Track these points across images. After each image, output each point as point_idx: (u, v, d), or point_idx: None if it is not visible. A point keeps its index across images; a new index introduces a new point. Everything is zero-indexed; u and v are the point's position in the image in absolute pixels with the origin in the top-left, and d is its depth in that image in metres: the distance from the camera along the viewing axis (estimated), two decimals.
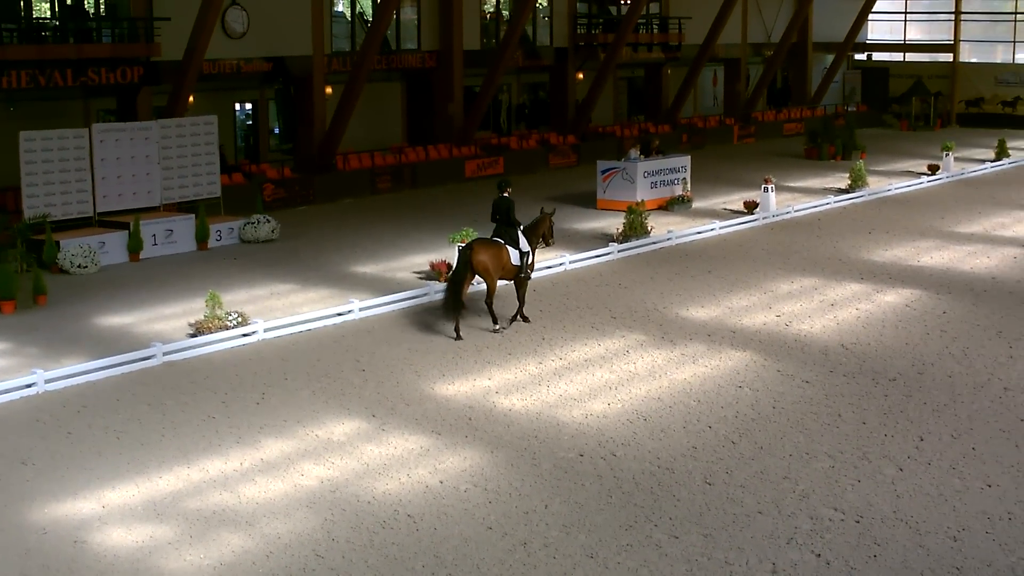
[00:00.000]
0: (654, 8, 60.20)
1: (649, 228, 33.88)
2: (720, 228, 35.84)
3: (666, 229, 34.82)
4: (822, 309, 26.47)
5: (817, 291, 28.22)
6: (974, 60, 75.25)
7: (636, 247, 32.77)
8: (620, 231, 33.65)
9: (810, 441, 18.12)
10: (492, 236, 25.09)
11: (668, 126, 58.85)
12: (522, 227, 25.30)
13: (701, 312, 26.16)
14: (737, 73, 66.90)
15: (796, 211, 39.17)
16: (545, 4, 54.63)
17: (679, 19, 59.54)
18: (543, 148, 51.23)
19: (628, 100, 62.56)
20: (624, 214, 34.20)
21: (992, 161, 53.66)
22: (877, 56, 77.89)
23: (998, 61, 74.52)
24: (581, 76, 55.85)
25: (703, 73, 63.45)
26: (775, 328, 24.78)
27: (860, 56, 77.78)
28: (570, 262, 30.68)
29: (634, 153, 40.54)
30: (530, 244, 25.17)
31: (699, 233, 35.09)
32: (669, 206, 39.56)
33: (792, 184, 45.67)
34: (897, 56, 77.27)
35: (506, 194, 25.21)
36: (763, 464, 17.17)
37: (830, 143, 54.96)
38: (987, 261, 31.92)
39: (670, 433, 18.48)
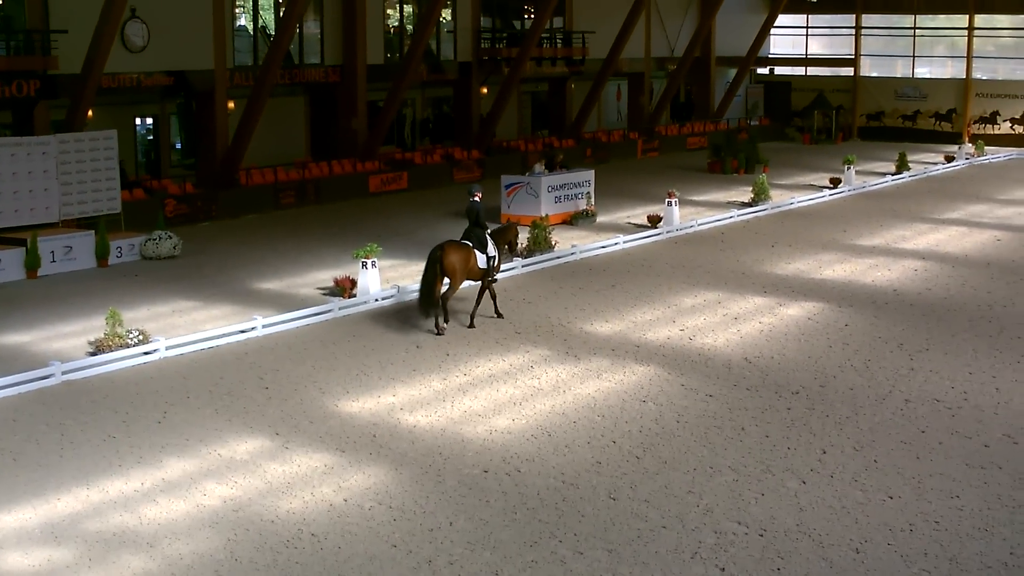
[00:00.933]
0: (558, 22, 60.42)
1: (553, 243, 33.98)
2: (624, 242, 35.98)
3: (570, 243, 34.92)
4: (725, 323, 26.64)
5: (720, 305, 28.39)
6: (875, 74, 76.21)
7: (540, 262, 32.81)
8: (524, 246, 33.67)
9: (714, 455, 18.21)
10: (462, 238, 26.44)
11: (572, 140, 59.02)
12: (489, 231, 26.56)
13: (605, 327, 26.23)
14: (641, 87, 67.22)
15: (699, 225, 39.41)
16: (449, 18, 54.63)
17: (583, 33, 59.75)
18: (447, 163, 51.18)
19: (532, 114, 62.67)
20: (528, 229, 34.21)
21: (893, 174, 54.33)
22: (779, 70, 78.63)
23: (898, 75, 75.51)
24: (485, 90, 55.89)
25: (607, 87, 63.72)
26: (679, 342, 24.90)
27: (762, 70, 78.49)
28: None
29: (538, 167, 40.62)
30: (497, 248, 26.68)
31: (603, 247, 35.19)
32: (573, 220, 39.66)
33: (696, 198, 45.96)
34: (799, 70, 78.10)
35: (476, 199, 26.41)
36: (667, 479, 17.23)
37: (733, 157, 55.38)
38: (888, 274, 32.28)
39: (574, 448, 18.50)
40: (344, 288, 28.34)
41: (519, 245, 28.65)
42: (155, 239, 33.90)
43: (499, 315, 26.97)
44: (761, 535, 15.28)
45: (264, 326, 25.58)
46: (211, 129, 42.84)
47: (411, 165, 49.69)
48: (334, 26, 48.40)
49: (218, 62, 42.67)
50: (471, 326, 26.20)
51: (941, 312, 27.87)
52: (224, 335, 24.96)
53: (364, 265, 28.39)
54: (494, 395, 21.23)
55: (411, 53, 49.00)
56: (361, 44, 48.37)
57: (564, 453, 18.29)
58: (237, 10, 46.24)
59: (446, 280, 25.67)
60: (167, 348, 23.77)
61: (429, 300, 25.46)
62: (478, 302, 26.75)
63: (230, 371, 22.75)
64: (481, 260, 26.09)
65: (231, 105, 43.41)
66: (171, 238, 34.07)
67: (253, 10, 46.88)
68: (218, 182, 42.27)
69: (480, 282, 26.66)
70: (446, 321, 25.89)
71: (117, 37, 37.69)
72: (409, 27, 53.15)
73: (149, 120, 44.30)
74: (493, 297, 26.97)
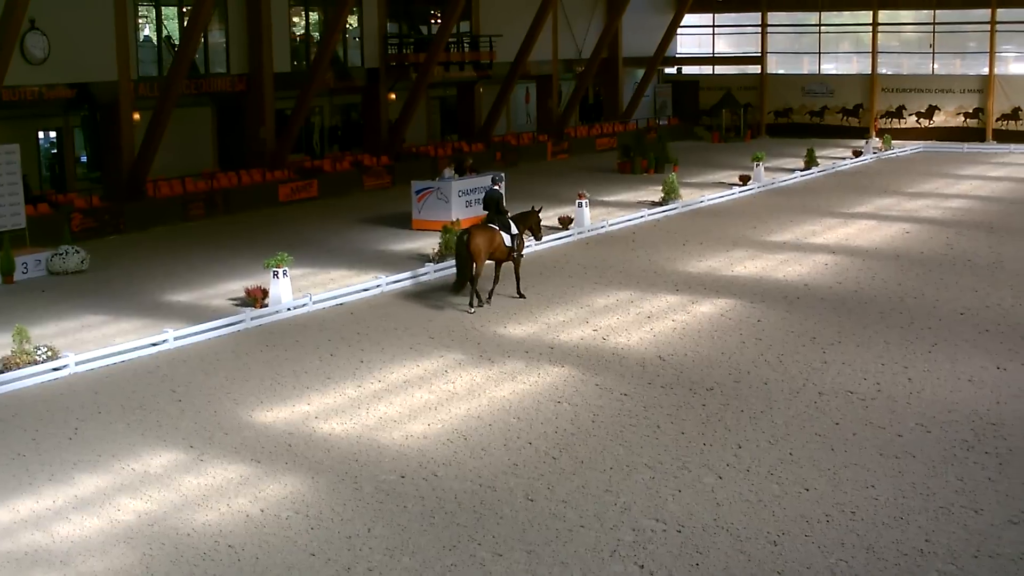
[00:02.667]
0: (465, 27, 60.36)
1: None
2: (535, 244, 35.93)
3: None
4: (639, 322, 26.70)
5: (633, 304, 28.46)
6: (782, 71, 76.85)
7: (452, 267, 32.63)
8: (436, 251, 33.62)
9: (630, 453, 18.24)
10: (486, 222, 28.87)
11: (482, 144, 58.99)
12: (511, 215, 29.29)
13: (519, 329, 26.22)
14: (549, 90, 67.31)
15: (610, 225, 39.51)
16: (355, 25, 54.43)
17: (490, 37, 59.73)
18: (357, 170, 50.96)
19: (441, 119, 62.53)
20: (440, 234, 34.14)
21: (802, 170, 54.76)
22: (687, 69, 79.08)
23: (805, 72, 76.16)
24: (393, 96, 55.72)
25: (515, 90, 63.73)
26: (592, 342, 24.93)
27: (670, 70, 78.88)
28: (387, 283, 30.54)
29: (448, 172, 40.55)
30: (519, 229, 29.17)
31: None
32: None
33: (606, 198, 46.08)
34: (707, 69, 78.60)
35: (496, 187, 29.80)
36: (584, 478, 17.23)
37: (643, 157, 55.58)
38: (799, 269, 32.51)
39: (491, 451, 18.46)
40: (256, 298, 28.13)
41: (540, 229, 31.20)
42: (62, 254, 33.46)
43: (521, 295, 29.12)
44: (679, 531, 15.31)
45: (175, 339, 25.31)
46: (116, 141, 42.36)
47: (321, 173, 49.44)
48: (239, 35, 48.08)
49: (122, 73, 42.22)
50: (488, 302, 28.47)
51: (852, 305, 28.11)
52: (135, 349, 24.67)
53: (275, 275, 28.20)
54: (409, 400, 21.15)
55: (318, 60, 48.80)
56: (267, 52, 48.09)
57: (481, 456, 18.25)
58: (141, 20, 45.81)
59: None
60: (76, 364, 23.46)
61: (462, 280, 27.87)
62: (496, 280, 29.10)
63: (142, 385, 22.49)
64: (506, 239, 28.57)
65: (136, 117, 42.94)
66: (78, 252, 33.64)
67: (157, 20, 46.47)
68: (125, 195, 41.81)
69: (510, 260, 29.05)
70: (480, 301, 28.23)
71: (16, 49, 37.20)
72: (316, 34, 52.89)
73: (52, 133, 43.69)
74: (517, 276, 29.27)
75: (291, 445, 18.91)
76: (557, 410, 20.47)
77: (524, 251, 30.36)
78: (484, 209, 30.15)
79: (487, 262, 28.65)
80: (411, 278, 31.41)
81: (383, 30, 55.38)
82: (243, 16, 47.97)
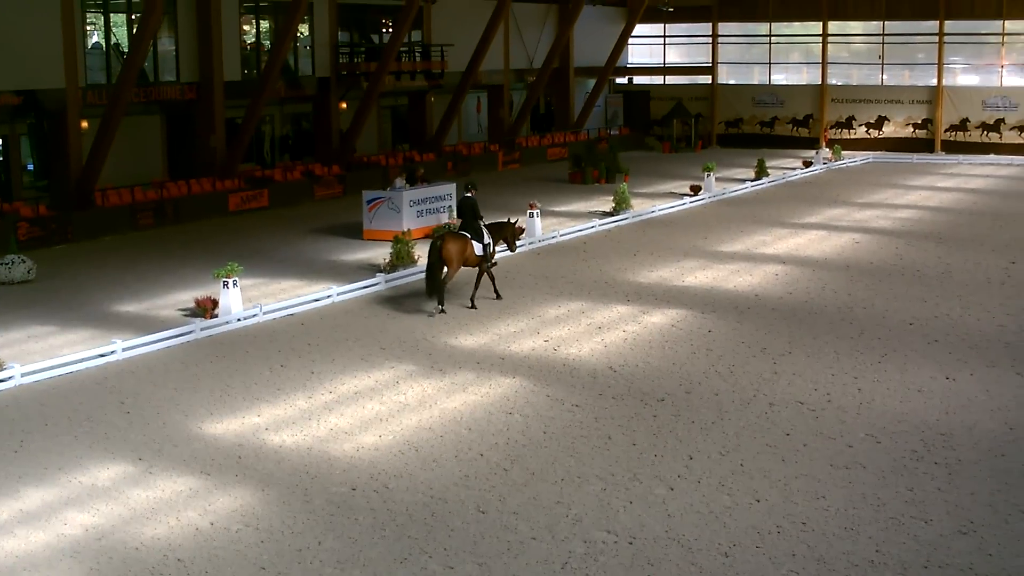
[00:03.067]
0: (416, 36, 60.30)
1: (416, 257, 33.78)
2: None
3: None
4: (590, 332, 26.70)
5: (584, 315, 28.46)
6: (732, 82, 77.17)
7: (404, 276, 32.64)
8: (387, 261, 33.54)
9: (581, 465, 18.21)
10: (459, 230, 29.77)
11: (433, 154, 58.88)
12: (486, 223, 30.06)
13: (470, 340, 26.16)
14: (501, 99, 67.37)
15: (562, 235, 39.51)
16: (306, 33, 54.28)
17: (441, 47, 59.68)
18: (308, 179, 50.78)
19: (392, 129, 62.43)
20: (391, 244, 34.05)
21: (752, 180, 54.95)
22: (638, 79, 79.27)
23: (755, 82, 76.52)
24: (344, 105, 55.62)
25: (467, 100, 63.72)
26: (544, 353, 24.91)
27: (621, 80, 79.06)
28: (338, 294, 30.42)
29: (399, 182, 40.50)
30: (493, 240, 29.93)
31: None
32: (435, 234, 39.49)
33: (557, 209, 46.09)
34: (658, 79, 78.79)
35: (470, 194, 30.18)
36: (535, 490, 17.19)
37: (594, 167, 55.64)
38: (750, 279, 32.61)
39: (442, 463, 18.40)
40: (206, 308, 27.95)
41: (516, 242, 32.00)
42: (7, 263, 33.13)
43: (498, 296, 30.07)
44: (631, 543, 15.30)
45: (124, 349, 25.11)
46: (64, 149, 42.08)
47: (271, 182, 49.24)
48: (189, 43, 47.86)
49: (70, 81, 41.94)
50: (472, 307, 29.16)
51: (802, 315, 28.21)
52: (82, 360, 24.44)
53: (225, 285, 28.05)
54: (360, 412, 21.07)
55: (268, 69, 48.64)
56: (217, 61, 47.89)
57: (432, 468, 18.18)
58: (89, 27, 45.55)
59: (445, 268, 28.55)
60: (22, 375, 23.22)
61: (432, 284, 28.44)
62: (477, 285, 29.69)
63: (90, 396, 22.30)
64: (478, 248, 29.17)
65: (85, 124, 42.67)
66: (24, 262, 33.33)
67: (105, 27, 46.20)
68: (73, 204, 41.53)
69: (478, 268, 29.57)
70: (440, 303, 28.73)
71: None
72: (266, 43, 52.73)
73: None
74: (492, 280, 30.07)
75: (241, 457, 18.80)
76: (508, 421, 20.43)
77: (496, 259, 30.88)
78: (459, 216, 31.14)
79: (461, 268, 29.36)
80: (362, 288, 31.28)
81: (334, 39, 55.27)
82: (193, 24, 47.77)
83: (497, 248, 30.85)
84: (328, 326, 27.59)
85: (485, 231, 29.69)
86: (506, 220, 31.90)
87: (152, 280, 33.29)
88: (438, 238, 28.98)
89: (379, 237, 38.29)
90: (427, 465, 18.32)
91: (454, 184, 42.16)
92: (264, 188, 48.14)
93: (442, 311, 28.58)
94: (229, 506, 16.78)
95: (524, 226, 31.68)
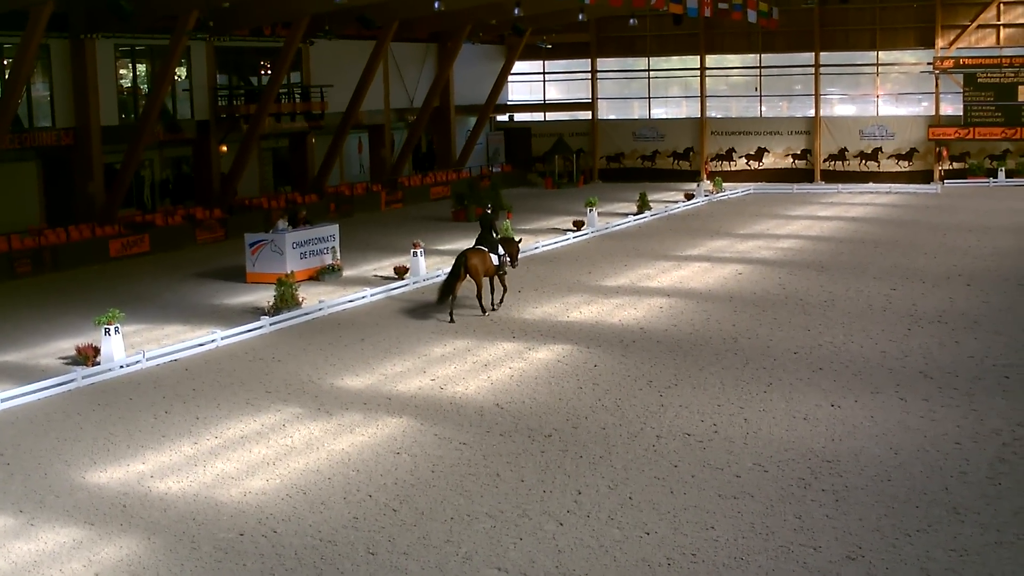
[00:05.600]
0: (295, 77, 60.09)
1: (300, 299, 33.59)
2: (371, 295, 35.81)
3: (317, 299, 34.59)
4: (476, 370, 26.66)
5: (470, 352, 28.43)
6: (612, 117, 77.76)
7: (288, 319, 32.42)
8: (271, 304, 33.28)
9: (470, 503, 18.15)
10: (476, 244, 33.33)
11: (315, 195, 58.58)
12: (499, 237, 33.96)
13: (356, 381, 26.02)
14: (382, 139, 67.26)
15: (446, 273, 39.34)
16: (184, 77, 53.87)
17: (321, 87, 59.54)
18: (190, 223, 50.33)
19: (274, 171, 62.00)
20: (275, 286, 33.81)
21: (635, 214, 55.28)
22: (519, 116, 79.68)
23: (635, 117, 77.18)
24: (224, 148, 55.23)
25: (348, 140, 63.54)
26: (430, 392, 24.82)
27: (502, 117, 79.37)
28: (222, 338, 30.11)
29: (282, 224, 40.20)
30: (505, 249, 33.71)
31: (351, 301, 34.94)
32: (319, 276, 39.31)
33: (441, 247, 46.03)
34: (538, 116, 79.26)
35: (489, 211, 34.99)
36: (425, 529, 17.10)
37: (477, 204, 55.55)
38: (635, 312, 32.75)
39: (330, 505, 18.25)
40: (87, 356, 27.55)
41: (517, 257, 35.02)
42: None
43: (495, 307, 33.40)
44: None
45: (2, 400, 24.65)
46: None
47: (152, 227, 48.71)
48: (64, 88, 47.28)
49: None
50: (494, 309, 33.23)
51: (687, 347, 28.37)
52: None
53: (107, 332, 27.68)
54: (247, 456, 20.85)
55: (146, 113, 48.25)
56: (94, 106, 47.35)
57: (320, 511, 18.03)
58: None
59: (469, 277, 32.25)
60: None
61: (447, 293, 32.13)
62: (493, 291, 33.60)
63: None
64: (494, 259, 32.95)
65: None
66: None
67: None
68: None
69: (494, 276, 33.38)
70: (483, 311, 32.84)
71: None
72: (144, 87, 52.25)
73: None
74: (504, 287, 33.87)
75: (126, 506, 18.51)
76: (396, 461, 20.32)
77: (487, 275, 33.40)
78: (480, 226, 34.36)
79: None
80: (247, 332, 31.01)
81: (212, 82, 54.90)
82: (67, 69, 47.21)
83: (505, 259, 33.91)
84: (213, 371, 27.31)
85: (499, 245, 33.40)
86: (512, 238, 35.63)
87: (31, 328, 32.75)
88: (462, 254, 32.38)
89: (262, 280, 37.97)
90: (315, 508, 18.16)
91: (337, 225, 41.98)
92: (145, 233, 47.61)
93: (451, 321, 31.96)
94: (115, 556, 16.50)
95: (519, 249, 35.23)
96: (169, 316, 33.89)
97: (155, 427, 22.88)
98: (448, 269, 33.46)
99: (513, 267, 34.71)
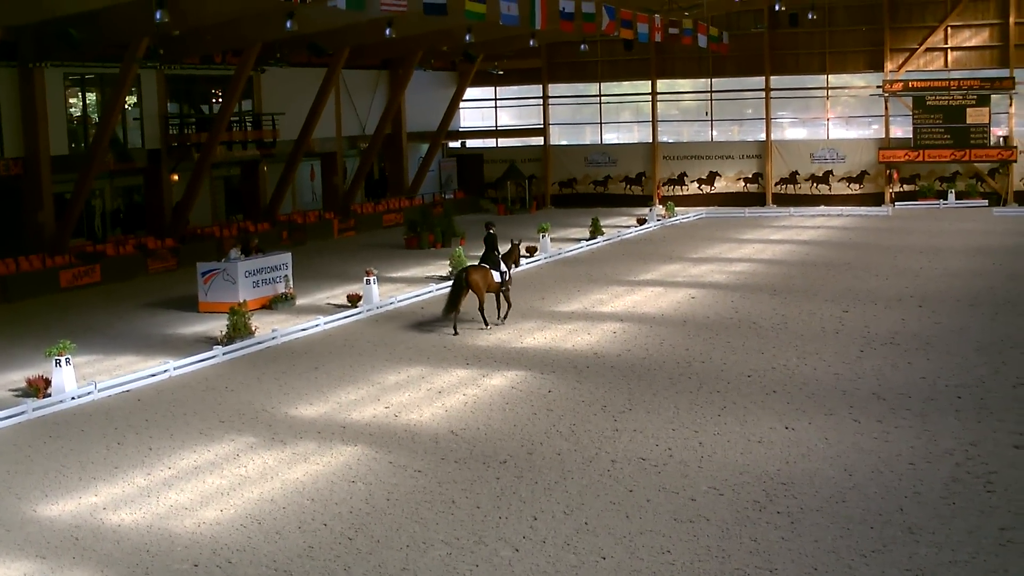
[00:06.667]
0: (247, 105, 59.96)
1: (253, 328, 33.46)
2: (325, 324, 35.69)
3: (271, 328, 34.47)
4: (430, 397, 26.60)
5: (424, 380, 28.36)
6: (564, 142, 77.99)
7: (241, 348, 32.27)
8: (224, 333, 33.13)
9: (426, 530, 18.08)
10: (480, 262, 35.04)
11: (267, 223, 58.46)
12: (501, 254, 35.29)
13: (310, 409, 25.91)
14: (334, 167, 67.16)
15: (399, 301, 39.39)
16: (135, 105, 53.66)
17: (273, 115, 59.44)
18: (141, 253, 50.09)
19: (226, 199, 61.84)
20: (227, 315, 33.66)
21: (587, 240, 55.37)
22: (471, 143, 79.83)
23: (587, 142, 77.41)
24: (176, 177, 55.03)
25: (300, 168, 63.42)
26: (384, 420, 24.74)
27: (454, 144, 79.44)
28: (175, 368, 29.93)
29: (234, 253, 40.07)
30: (506, 265, 35.31)
31: (304, 330, 34.82)
32: (272, 305, 39.18)
33: (394, 274, 46.00)
34: (490, 142, 79.42)
35: (492, 231, 35.89)
36: (381, 558, 17.02)
37: (430, 231, 55.73)
38: (588, 338, 32.76)
39: (285, 535, 18.14)
40: (37, 388, 27.32)
41: (521, 259, 38.20)
42: None
43: (500, 321, 35.23)
44: None
45: None
46: None
47: (104, 257, 48.46)
48: (12, 117, 47.02)
49: None
50: (501, 323, 35.08)
51: (641, 372, 28.39)
52: None
53: (57, 363, 27.47)
54: (200, 487, 20.71)
55: (97, 142, 48.04)
56: (43, 135, 47.13)
57: (275, 540, 17.92)
58: None
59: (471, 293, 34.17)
60: None
61: (451, 307, 34.06)
62: (498, 304, 35.41)
63: None
64: (496, 276, 34.64)
65: None
66: None
67: None
68: None
69: (499, 292, 35.08)
70: (485, 324, 34.52)
71: None
72: (94, 116, 52.02)
73: None
74: (508, 303, 35.56)
75: (78, 539, 18.34)
76: (351, 490, 20.23)
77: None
78: (485, 245, 35.68)
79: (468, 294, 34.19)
80: (200, 362, 30.84)
81: (163, 110, 54.71)
82: (16, 98, 46.98)
83: (511, 270, 35.90)
84: (166, 401, 27.14)
85: (502, 263, 34.95)
86: (510, 244, 36.69)
87: None
88: (463, 270, 34.52)
89: (215, 309, 37.81)
90: (270, 538, 18.06)
91: (289, 253, 41.87)
92: (96, 263, 47.35)
93: (455, 333, 33.73)
94: None
95: (523, 251, 38.48)
96: (121, 346, 33.69)
97: (107, 458, 22.71)
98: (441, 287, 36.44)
99: (516, 266, 36.81)
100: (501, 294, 35.22)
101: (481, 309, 34.36)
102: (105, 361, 31.61)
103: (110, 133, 48.54)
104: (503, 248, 36.26)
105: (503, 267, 35.07)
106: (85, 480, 21.38)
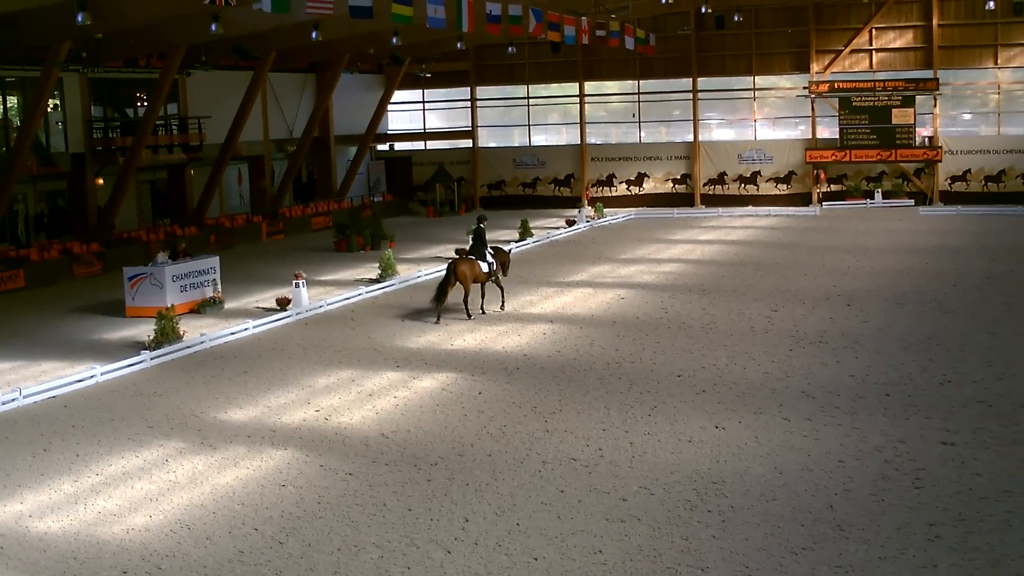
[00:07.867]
0: (173, 108, 59.57)
1: (181, 332, 33.20)
2: (254, 327, 35.48)
3: (199, 332, 34.21)
4: (360, 400, 26.49)
5: (355, 382, 28.25)
6: (493, 145, 77.97)
7: (169, 353, 32.00)
8: (152, 338, 32.85)
9: (357, 533, 17.99)
10: (468, 254, 37.32)
11: (195, 227, 58.11)
12: (490, 248, 37.34)
13: (240, 414, 25.73)
14: (261, 170, 66.84)
15: (329, 304, 39.23)
16: (57, 109, 53.16)
17: (199, 119, 59.10)
18: (66, 258, 49.60)
19: (152, 203, 61.35)
20: (155, 320, 33.38)
21: (517, 241, 55.32)
22: (399, 146, 79.63)
23: (516, 144, 77.46)
24: (101, 181, 54.57)
25: (227, 172, 63.07)
26: (315, 423, 24.61)
27: (383, 147, 79.25)
28: (101, 374, 29.63)
29: (161, 257, 39.75)
30: (495, 260, 37.34)
31: (233, 334, 34.59)
32: (201, 309, 38.91)
33: (324, 278, 45.82)
34: (419, 145, 79.24)
35: (482, 225, 38.02)
36: (312, 561, 16.92)
37: (359, 234, 55.56)
38: (518, 339, 32.74)
39: (216, 540, 17.99)
40: None
41: (508, 267, 38.84)
42: None
43: (500, 307, 37.34)
44: None
45: None
46: None
47: (27, 263, 47.95)
48: None
49: None
50: (483, 313, 36.59)
51: (572, 373, 28.40)
52: None
53: None
54: (129, 493, 20.50)
55: (18, 146, 47.54)
56: None
57: (205, 545, 17.77)
58: None
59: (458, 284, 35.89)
60: None
61: (440, 297, 35.65)
62: (483, 296, 37.16)
63: None
64: (484, 267, 36.47)
65: None
66: None
67: None
68: None
69: (485, 283, 37.02)
70: (469, 316, 36.06)
71: None
72: (15, 119, 51.47)
73: None
74: (500, 289, 37.74)
75: (3, 547, 18.11)
76: (282, 494, 20.10)
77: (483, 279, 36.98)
78: (472, 240, 37.82)
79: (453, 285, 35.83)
80: (127, 367, 30.56)
81: (87, 114, 54.23)
82: None
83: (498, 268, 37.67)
84: (93, 407, 26.87)
85: (489, 255, 36.77)
86: (504, 247, 39.92)
87: None
88: (452, 260, 36.60)
89: (142, 314, 37.47)
90: (200, 543, 17.90)
91: (217, 257, 41.59)
92: (20, 268, 46.81)
93: (436, 322, 35.42)
94: None
95: (509, 259, 39.19)
96: (46, 352, 33.33)
97: (33, 466, 22.44)
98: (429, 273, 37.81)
99: (504, 275, 38.28)
100: (493, 283, 37.21)
101: (465, 301, 36.00)
102: (30, 367, 31.27)
103: (32, 137, 48.07)
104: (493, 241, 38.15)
105: (490, 259, 36.89)
106: (10, 488, 21.11)
